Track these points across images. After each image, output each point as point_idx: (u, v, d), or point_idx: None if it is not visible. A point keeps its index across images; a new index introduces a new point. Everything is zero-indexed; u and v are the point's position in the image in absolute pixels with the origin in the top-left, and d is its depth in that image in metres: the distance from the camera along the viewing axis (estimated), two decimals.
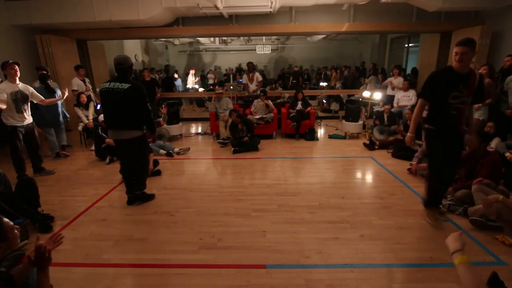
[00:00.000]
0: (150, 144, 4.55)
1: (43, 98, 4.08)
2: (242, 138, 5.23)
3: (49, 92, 4.65)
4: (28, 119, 3.93)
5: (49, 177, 4.14)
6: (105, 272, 2.21)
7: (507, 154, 3.50)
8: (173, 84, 9.98)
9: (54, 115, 4.78)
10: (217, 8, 5.73)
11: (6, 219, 1.51)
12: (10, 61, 3.70)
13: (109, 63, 8.50)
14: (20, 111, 3.79)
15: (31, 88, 3.96)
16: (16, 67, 3.71)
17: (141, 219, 2.99)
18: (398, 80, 6.64)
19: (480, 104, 4.29)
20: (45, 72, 4.93)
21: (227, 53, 16.88)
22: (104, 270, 2.24)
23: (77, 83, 5.91)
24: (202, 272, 2.19)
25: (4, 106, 3.62)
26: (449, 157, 2.55)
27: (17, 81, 3.75)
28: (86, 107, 5.56)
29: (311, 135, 5.90)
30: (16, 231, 1.52)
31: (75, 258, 2.38)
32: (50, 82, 4.96)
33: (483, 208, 2.57)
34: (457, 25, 6.50)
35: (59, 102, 4.82)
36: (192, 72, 11.42)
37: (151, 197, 3.38)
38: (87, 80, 6.18)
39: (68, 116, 5.21)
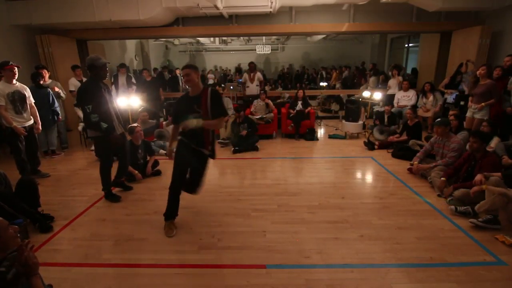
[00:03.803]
0: (152, 145, 4.56)
1: (33, 104, 3.96)
2: (241, 132, 5.24)
3: (39, 88, 4.59)
4: (29, 121, 3.88)
5: (49, 177, 4.13)
6: (105, 272, 2.21)
7: (504, 157, 3.49)
8: (178, 83, 10.01)
9: (44, 114, 4.48)
10: (217, 8, 5.73)
11: (0, 218, 1.51)
12: (11, 62, 3.62)
13: (109, 63, 8.50)
14: (19, 112, 3.73)
15: (28, 89, 3.89)
16: (16, 69, 3.64)
17: (141, 219, 2.99)
18: (395, 80, 6.72)
19: (483, 104, 4.26)
20: (41, 71, 4.86)
21: (227, 53, 16.89)
22: (104, 270, 2.24)
23: (73, 83, 5.88)
24: (202, 272, 2.19)
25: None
26: None
27: (14, 82, 3.68)
28: None
29: (311, 135, 5.90)
30: (11, 230, 1.51)
31: (75, 258, 2.38)
32: (51, 81, 4.95)
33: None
34: (457, 25, 6.51)
35: (56, 100, 4.84)
36: None
37: (114, 198, 3.38)
38: (85, 79, 6.14)
39: (59, 113, 4.97)
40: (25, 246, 1.46)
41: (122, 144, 3.28)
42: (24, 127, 3.81)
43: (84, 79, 6.12)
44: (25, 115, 3.80)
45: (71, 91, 5.80)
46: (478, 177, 2.79)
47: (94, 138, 3.24)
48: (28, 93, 3.85)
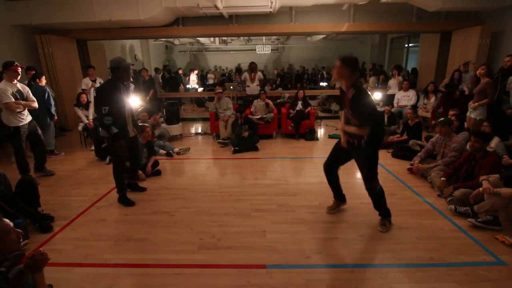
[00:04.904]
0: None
1: (35, 101, 3.95)
2: (242, 133, 5.25)
3: (37, 87, 4.62)
4: (28, 117, 3.89)
5: (49, 177, 4.13)
6: (105, 272, 2.21)
7: (504, 157, 3.49)
8: (178, 83, 10.00)
9: (37, 113, 4.28)
10: (217, 8, 5.74)
11: (6, 221, 1.51)
12: (16, 63, 3.66)
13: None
14: (20, 111, 3.74)
15: (27, 88, 3.92)
16: (20, 70, 3.70)
17: (141, 219, 2.99)
18: (395, 80, 6.73)
19: (476, 104, 4.29)
20: (34, 72, 4.92)
21: (227, 53, 16.90)
22: (104, 270, 2.24)
23: (86, 82, 5.97)
24: (202, 272, 2.19)
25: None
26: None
27: (15, 81, 3.72)
28: (86, 107, 5.57)
29: (311, 135, 5.90)
30: (14, 234, 1.51)
31: (75, 258, 2.38)
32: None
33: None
34: (457, 25, 6.51)
35: (51, 100, 4.84)
36: (195, 72, 11.47)
37: (128, 202, 3.29)
38: (99, 79, 6.14)
39: (54, 114, 4.89)
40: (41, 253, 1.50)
41: (125, 150, 3.20)
42: (26, 125, 3.83)
43: (99, 79, 6.15)
44: (25, 112, 3.83)
45: (83, 90, 5.85)
46: (486, 184, 2.68)
47: (106, 138, 3.20)
48: (28, 91, 3.87)
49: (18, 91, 3.73)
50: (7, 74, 3.66)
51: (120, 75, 3.00)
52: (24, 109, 3.81)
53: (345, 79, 2.29)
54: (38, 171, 4.17)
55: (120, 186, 3.28)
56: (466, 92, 5.39)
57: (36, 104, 3.93)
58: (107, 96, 2.94)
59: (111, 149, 3.18)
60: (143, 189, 3.64)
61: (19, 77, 3.73)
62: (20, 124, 3.76)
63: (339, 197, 3.03)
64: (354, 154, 2.60)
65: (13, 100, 3.62)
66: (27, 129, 3.86)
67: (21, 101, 3.70)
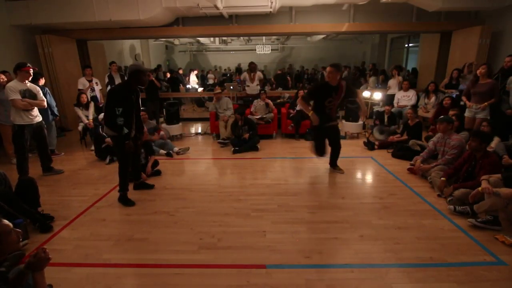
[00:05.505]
0: (152, 145, 4.56)
1: (45, 100, 4.04)
2: (242, 135, 5.25)
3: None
4: (37, 117, 3.92)
5: (49, 177, 4.13)
6: (105, 272, 2.21)
7: (504, 157, 3.49)
8: (179, 83, 9.97)
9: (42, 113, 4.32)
10: (217, 8, 5.74)
11: (6, 222, 1.51)
12: (28, 64, 3.73)
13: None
14: (28, 110, 3.79)
15: (38, 87, 3.97)
16: (32, 71, 3.77)
17: (141, 219, 2.99)
18: (395, 80, 6.72)
19: (486, 103, 4.26)
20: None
21: (227, 53, 16.90)
22: (104, 270, 2.24)
23: (82, 82, 5.97)
24: (202, 272, 2.19)
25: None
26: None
27: (26, 82, 3.79)
28: (86, 107, 5.56)
29: (311, 135, 5.89)
30: (15, 235, 1.51)
31: (75, 258, 2.38)
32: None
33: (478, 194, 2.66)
34: (457, 25, 6.51)
35: (52, 100, 4.92)
36: (194, 72, 11.46)
37: (128, 202, 3.29)
38: (95, 79, 6.15)
39: (57, 114, 5.03)
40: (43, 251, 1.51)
41: (134, 149, 3.32)
42: (32, 124, 3.85)
43: (95, 79, 6.15)
44: (33, 112, 3.87)
45: (79, 90, 5.84)
46: (484, 184, 2.69)
47: (110, 137, 3.27)
48: (38, 91, 3.93)
49: (28, 90, 3.78)
50: (20, 75, 3.73)
51: (138, 78, 3.06)
52: (33, 108, 3.85)
53: (337, 79, 3.61)
54: (46, 171, 4.19)
55: (123, 185, 3.31)
56: None
57: (45, 103, 4.00)
58: (120, 98, 3.00)
59: (116, 148, 3.22)
60: (151, 186, 3.71)
61: (30, 78, 3.82)
62: (26, 123, 3.78)
63: (335, 163, 4.18)
64: (334, 128, 3.97)
65: (20, 98, 3.66)
66: (32, 129, 3.87)
67: (27, 99, 3.74)
